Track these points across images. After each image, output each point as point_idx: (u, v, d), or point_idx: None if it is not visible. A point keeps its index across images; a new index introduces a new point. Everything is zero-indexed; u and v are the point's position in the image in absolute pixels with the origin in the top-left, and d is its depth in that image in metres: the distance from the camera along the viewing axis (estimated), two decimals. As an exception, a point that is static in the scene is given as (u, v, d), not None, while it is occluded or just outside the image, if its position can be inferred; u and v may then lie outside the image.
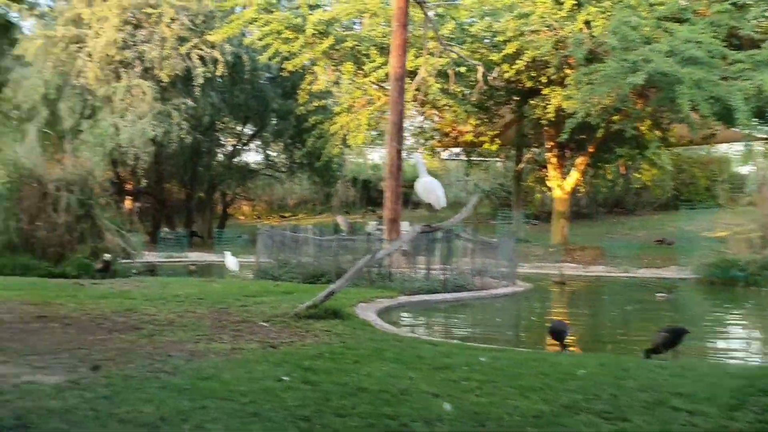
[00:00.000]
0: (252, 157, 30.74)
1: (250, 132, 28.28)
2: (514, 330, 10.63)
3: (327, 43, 17.56)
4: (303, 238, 13.91)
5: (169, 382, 5.26)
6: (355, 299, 10.03)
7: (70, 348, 6.52)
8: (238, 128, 28.41)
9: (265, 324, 8.09)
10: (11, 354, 6.22)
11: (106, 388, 5.05)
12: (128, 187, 25.98)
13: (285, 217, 33.04)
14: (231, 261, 14.40)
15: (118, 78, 19.97)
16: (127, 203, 26.66)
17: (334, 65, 19.39)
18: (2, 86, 21.53)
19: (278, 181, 31.99)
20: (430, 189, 9.01)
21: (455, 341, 7.81)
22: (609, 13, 17.90)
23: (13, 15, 25.01)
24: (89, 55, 19.52)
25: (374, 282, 11.82)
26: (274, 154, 29.90)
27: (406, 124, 24.41)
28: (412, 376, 5.60)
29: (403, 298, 11.11)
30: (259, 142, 28.86)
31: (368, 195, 37.02)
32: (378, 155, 39.52)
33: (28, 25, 25.40)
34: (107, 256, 14.25)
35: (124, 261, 16.00)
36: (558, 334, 7.24)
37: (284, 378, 5.51)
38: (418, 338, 7.60)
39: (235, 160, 29.09)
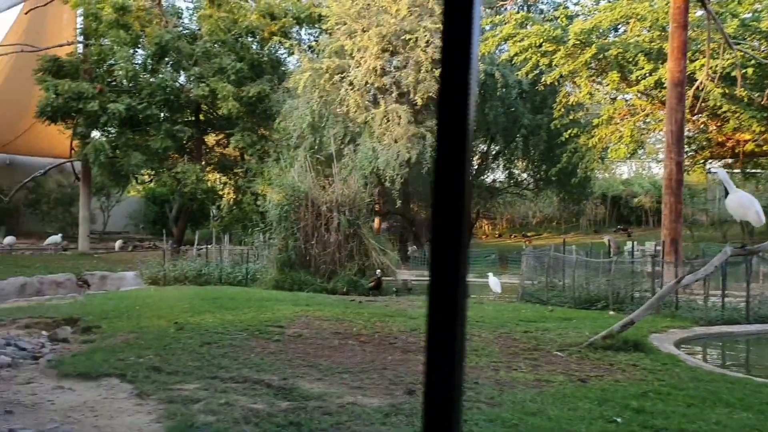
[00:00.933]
0: (495, 175, 30.42)
1: (496, 149, 27.99)
2: None
3: (590, 52, 16.64)
4: (573, 260, 13.08)
5: (495, 414, 4.93)
6: (644, 329, 9.07)
7: (375, 367, 6.54)
8: (483, 146, 28.28)
9: (559, 354, 7.54)
10: (324, 371, 6.37)
11: (433, 418, 4.83)
12: (377, 207, 27.04)
13: (528, 236, 32.16)
14: (494, 282, 14.06)
15: (376, 104, 20.84)
16: (376, 223, 27.77)
17: (592, 75, 18.36)
18: (275, 117, 23.62)
19: (523, 198, 31.28)
20: (747, 205, 7.80)
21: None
22: None
23: (281, 52, 27.54)
24: (351, 84, 20.63)
25: (660, 310, 10.65)
26: (517, 171, 29.26)
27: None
28: (778, 431, 4.68)
29: (698, 329, 9.85)
30: (504, 160, 28.42)
31: (618, 212, 34.83)
32: (627, 169, 37.11)
33: (293, 60, 27.81)
34: (378, 272, 14.72)
35: (385, 279, 16.46)
36: None
37: (617, 419, 4.92)
38: (753, 380, 6.50)
39: (480, 178, 28.98)
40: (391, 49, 21.11)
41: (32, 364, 7.00)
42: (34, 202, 27.88)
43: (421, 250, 25.70)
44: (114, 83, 24.61)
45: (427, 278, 1.02)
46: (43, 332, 8.81)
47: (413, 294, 15.99)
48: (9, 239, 22.61)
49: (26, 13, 22.95)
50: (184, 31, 25.86)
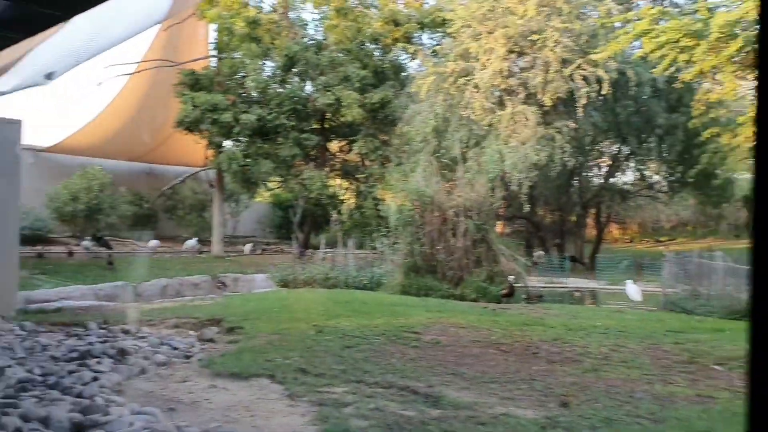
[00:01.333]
0: (626, 177, 29.04)
1: (627, 151, 26.71)
2: None
3: (735, 46, 15.51)
4: (722, 267, 12.19)
5: (658, 431, 4.60)
6: (812, 343, 8.24)
7: (522, 378, 6.33)
8: (614, 147, 27.10)
9: (718, 367, 7.00)
10: (469, 379, 6.23)
11: (594, 433, 4.59)
12: (501, 211, 26.52)
13: (661, 241, 30.52)
14: (633, 290, 13.37)
15: (502, 106, 20.47)
16: (499, 227, 27.24)
17: (736, 71, 17.11)
18: (396, 122, 23.79)
19: (657, 202, 29.69)
20: None
21: None
22: None
23: (403, 58, 27.68)
24: (476, 87, 20.39)
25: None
26: (649, 173, 27.80)
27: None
28: None
29: None
30: (636, 162, 27.07)
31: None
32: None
33: (414, 65, 27.88)
34: (511, 278, 14.41)
35: (516, 285, 16.09)
36: None
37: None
38: None
39: (610, 180, 27.80)
40: (517, 50, 20.68)
41: (185, 363, 7.32)
42: (171, 208, 29.61)
43: (548, 256, 24.96)
44: (245, 94, 25.70)
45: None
46: (191, 332, 9.23)
47: (544, 302, 15.52)
48: (153, 243, 24.12)
49: (165, 30, 24.42)
50: (311, 42, 26.54)
